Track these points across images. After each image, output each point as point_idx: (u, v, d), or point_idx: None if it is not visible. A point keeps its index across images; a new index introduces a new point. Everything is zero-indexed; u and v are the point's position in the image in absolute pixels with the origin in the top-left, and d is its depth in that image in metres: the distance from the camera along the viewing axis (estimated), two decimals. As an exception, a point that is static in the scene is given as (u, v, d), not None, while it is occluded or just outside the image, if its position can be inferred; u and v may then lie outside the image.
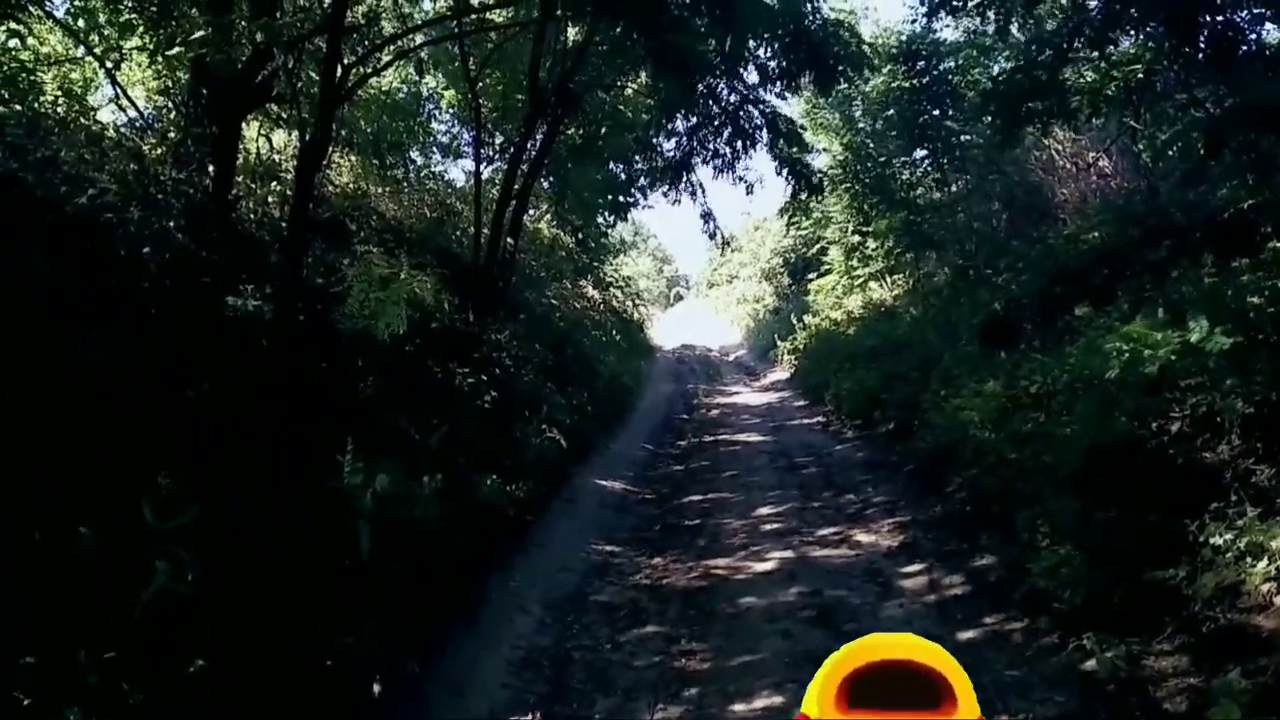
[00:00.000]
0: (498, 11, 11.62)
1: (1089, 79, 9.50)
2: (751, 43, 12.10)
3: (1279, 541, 4.48)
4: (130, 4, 7.88)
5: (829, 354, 16.54)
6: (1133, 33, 9.43)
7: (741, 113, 14.01)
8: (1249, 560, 4.56)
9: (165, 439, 4.46)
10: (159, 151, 7.47)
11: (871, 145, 17.48)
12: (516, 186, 12.05)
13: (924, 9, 11.57)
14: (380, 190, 12.29)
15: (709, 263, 46.92)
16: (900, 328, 14.18)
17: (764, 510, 8.57)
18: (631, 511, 9.07)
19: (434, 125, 16.09)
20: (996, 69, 12.87)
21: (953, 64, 15.56)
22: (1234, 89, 8.14)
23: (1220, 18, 8.35)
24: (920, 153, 16.96)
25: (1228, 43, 8.26)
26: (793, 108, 17.05)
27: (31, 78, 7.56)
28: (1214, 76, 8.79)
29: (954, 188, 16.69)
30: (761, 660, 5.17)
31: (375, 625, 4.65)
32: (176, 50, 6.81)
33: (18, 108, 6.81)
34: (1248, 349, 5.60)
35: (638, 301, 26.79)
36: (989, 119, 11.09)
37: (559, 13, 10.65)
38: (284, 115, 9.18)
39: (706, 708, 4.70)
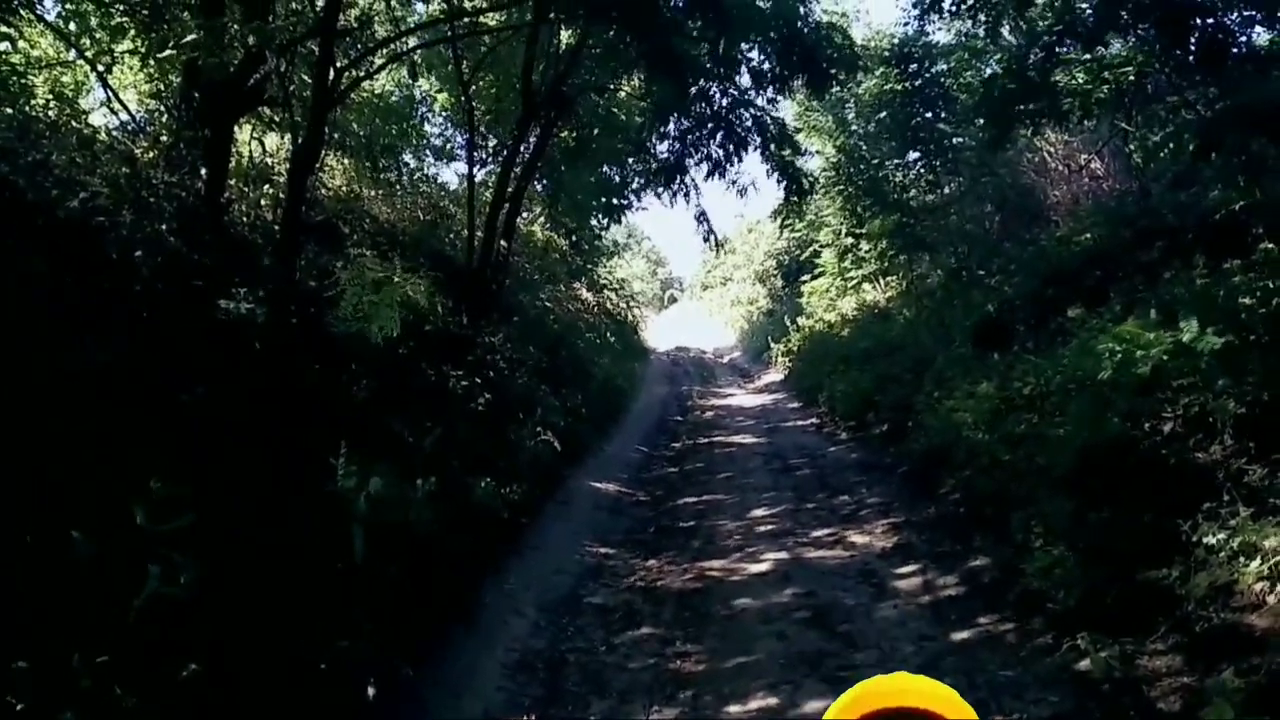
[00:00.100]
0: (491, 15, 11.64)
1: (1080, 80, 9.54)
2: (744, 46, 12.15)
3: (1272, 541, 4.50)
4: (122, 7, 7.87)
5: (823, 356, 16.57)
6: (1124, 35, 9.48)
7: (733, 116, 14.04)
8: (1242, 560, 4.57)
9: (159, 442, 4.45)
10: (151, 155, 7.45)
11: (864, 148, 17.55)
12: (510, 189, 12.05)
13: (916, 11, 11.62)
14: (373, 193, 12.27)
15: (703, 265, 46.99)
16: (893, 329, 14.21)
17: (758, 512, 8.58)
18: (626, 513, 9.06)
19: (427, 128, 16.13)
20: (988, 71, 12.92)
21: (945, 67, 15.63)
22: (1225, 91, 8.18)
23: (1210, 20, 8.41)
24: (913, 155, 17.05)
25: (1218, 45, 8.31)
26: (786, 110, 17.13)
27: (22, 81, 7.53)
28: (1205, 79, 8.84)
29: (946, 190, 16.76)
30: (756, 662, 5.17)
31: (370, 628, 4.64)
32: (168, 53, 6.79)
33: (9, 111, 6.78)
34: (1240, 349, 5.63)
35: (631, 304, 26.79)
36: (980, 121, 11.13)
37: (552, 16, 10.67)
38: (276, 118, 9.17)
39: (701, 709, 4.70)
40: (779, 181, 14.77)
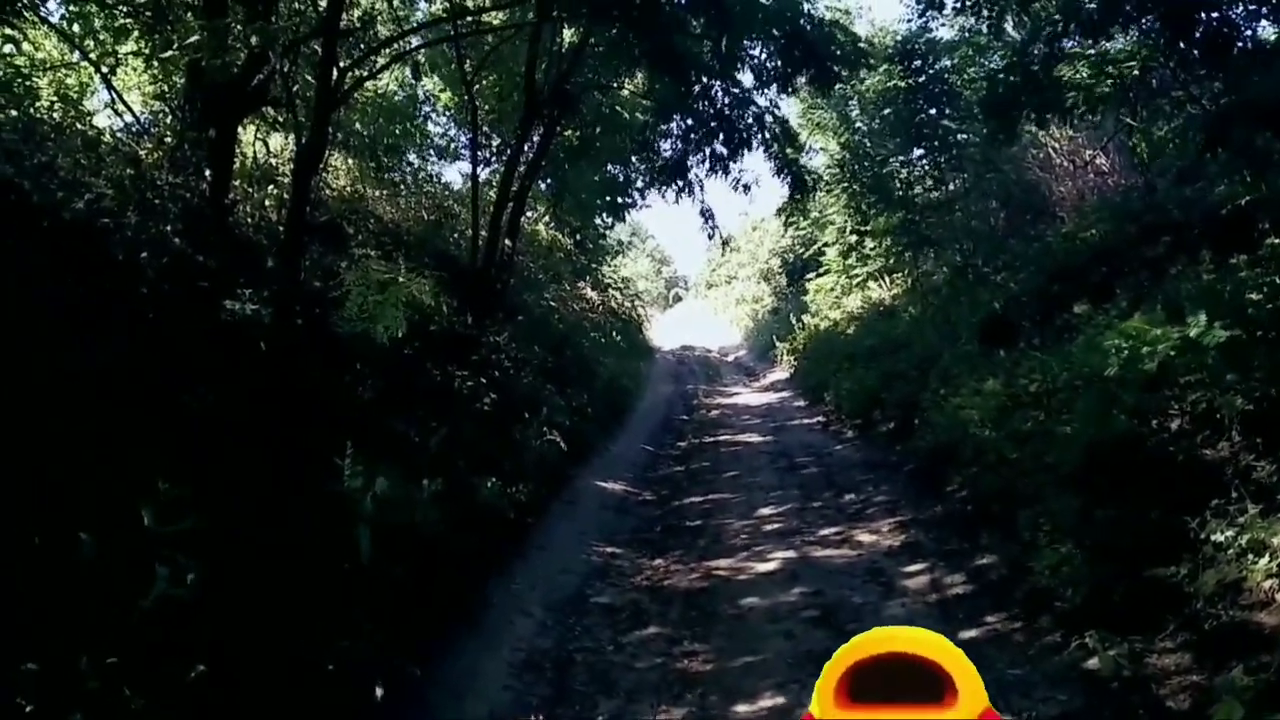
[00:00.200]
0: (493, 14, 11.63)
1: (1084, 75, 9.50)
2: (747, 43, 12.12)
3: (1280, 538, 4.48)
4: (125, 9, 7.88)
5: (828, 354, 16.55)
6: (1127, 29, 9.43)
7: (735, 114, 14.01)
8: (1250, 557, 4.55)
9: (164, 444, 4.46)
10: (155, 156, 7.46)
11: (869, 145, 17.51)
12: (514, 188, 12.05)
13: (919, 8, 11.58)
14: (377, 193, 12.28)
15: (707, 263, 47.00)
16: (899, 327, 14.18)
17: (765, 510, 8.57)
18: (632, 513, 9.06)
19: (430, 128, 16.13)
20: (992, 66, 12.88)
21: (949, 63, 15.58)
22: (1230, 86, 8.14)
23: (1215, 14, 8.36)
24: (917, 152, 17.00)
25: (1223, 39, 8.26)
26: (790, 107, 17.11)
27: (27, 83, 7.56)
28: (1209, 73, 8.80)
29: (951, 186, 16.71)
30: (764, 661, 5.16)
31: (376, 628, 4.65)
32: (172, 55, 6.81)
33: (13, 113, 6.81)
34: (1247, 345, 5.60)
35: (636, 302, 26.78)
36: (985, 117, 11.10)
37: (555, 14, 10.66)
38: (280, 119, 9.18)
39: (709, 709, 4.69)
40: (783, 179, 14.75)
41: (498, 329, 10.74)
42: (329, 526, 5.01)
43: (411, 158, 15.77)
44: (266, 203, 8.81)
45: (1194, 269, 7.30)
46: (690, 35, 11.00)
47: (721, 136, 14.22)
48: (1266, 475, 4.98)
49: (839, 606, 5.87)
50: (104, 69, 8.50)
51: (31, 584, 3.34)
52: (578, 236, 19.46)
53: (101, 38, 8.38)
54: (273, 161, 9.77)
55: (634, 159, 16.31)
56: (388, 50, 10.50)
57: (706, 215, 16.26)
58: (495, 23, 11.80)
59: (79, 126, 7.63)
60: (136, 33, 8.09)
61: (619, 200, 17.51)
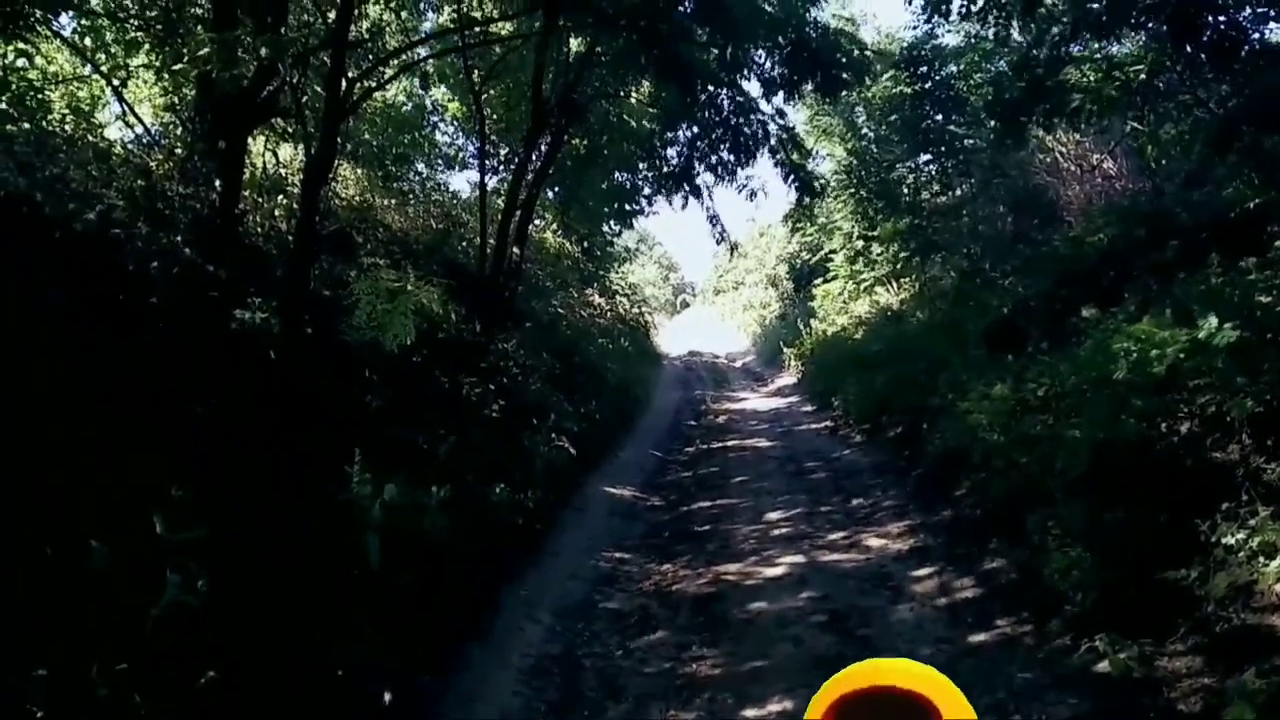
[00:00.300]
0: (501, 24, 11.70)
1: (1091, 79, 9.50)
2: (752, 51, 12.17)
3: (1291, 540, 4.46)
4: (136, 22, 7.97)
5: (836, 359, 16.52)
6: (1134, 31, 9.43)
7: (742, 121, 14.05)
8: (1261, 560, 4.53)
9: (176, 452, 4.49)
10: (166, 167, 7.53)
11: (875, 150, 17.53)
12: (522, 196, 12.09)
13: (924, 15, 11.59)
14: (386, 202, 12.35)
15: (715, 269, 47.06)
16: (907, 332, 14.15)
17: (773, 515, 8.56)
18: (641, 518, 9.06)
19: (438, 137, 16.22)
20: (998, 71, 12.89)
21: (955, 69, 15.59)
22: (1238, 89, 8.13)
23: (1223, 18, 8.35)
24: (924, 157, 17.01)
25: (1230, 42, 8.25)
26: (797, 114, 17.14)
27: (39, 96, 7.63)
28: (1217, 76, 8.78)
29: (959, 191, 16.70)
30: (773, 666, 5.16)
31: (385, 635, 4.66)
32: (182, 67, 6.88)
33: (26, 126, 6.87)
34: (1256, 347, 5.58)
35: (644, 309, 26.81)
36: (992, 121, 11.10)
37: (562, 24, 10.72)
38: (289, 130, 9.24)
39: (717, 713, 4.69)
40: (790, 183, 14.79)
41: (506, 336, 10.78)
42: (338, 533, 5.03)
43: (420, 167, 15.88)
44: (276, 213, 8.87)
45: (1203, 272, 7.27)
46: (696, 44, 11.05)
47: (728, 144, 14.28)
48: (1277, 477, 4.95)
49: (848, 611, 5.86)
50: (115, 81, 8.59)
51: (41, 591, 3.37)
52: (585, 244, 19.52)
53: (113, 51, 8.47)
54: (282, 172, 9.83)
55: (641, 166, 16.37)
56: (396, 61, 10.58)
57: (714, 220, 16.33)
58: (503, 33, 11.87)
59: (90, 139, 7.70)
60: (147, 45, 8.18)
61: (626, 207, 17.57)
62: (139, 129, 8.86)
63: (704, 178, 15.34)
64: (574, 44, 12.34)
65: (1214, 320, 5.78)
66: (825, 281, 21.01)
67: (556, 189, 15.98)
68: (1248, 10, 8.62)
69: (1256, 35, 8.63)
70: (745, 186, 15.23)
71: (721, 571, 6.96)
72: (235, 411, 5.14)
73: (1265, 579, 4.47)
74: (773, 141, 14.27)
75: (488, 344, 9.99)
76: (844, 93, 14.38)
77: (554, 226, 18.02)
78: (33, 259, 4.94)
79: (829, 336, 19.15)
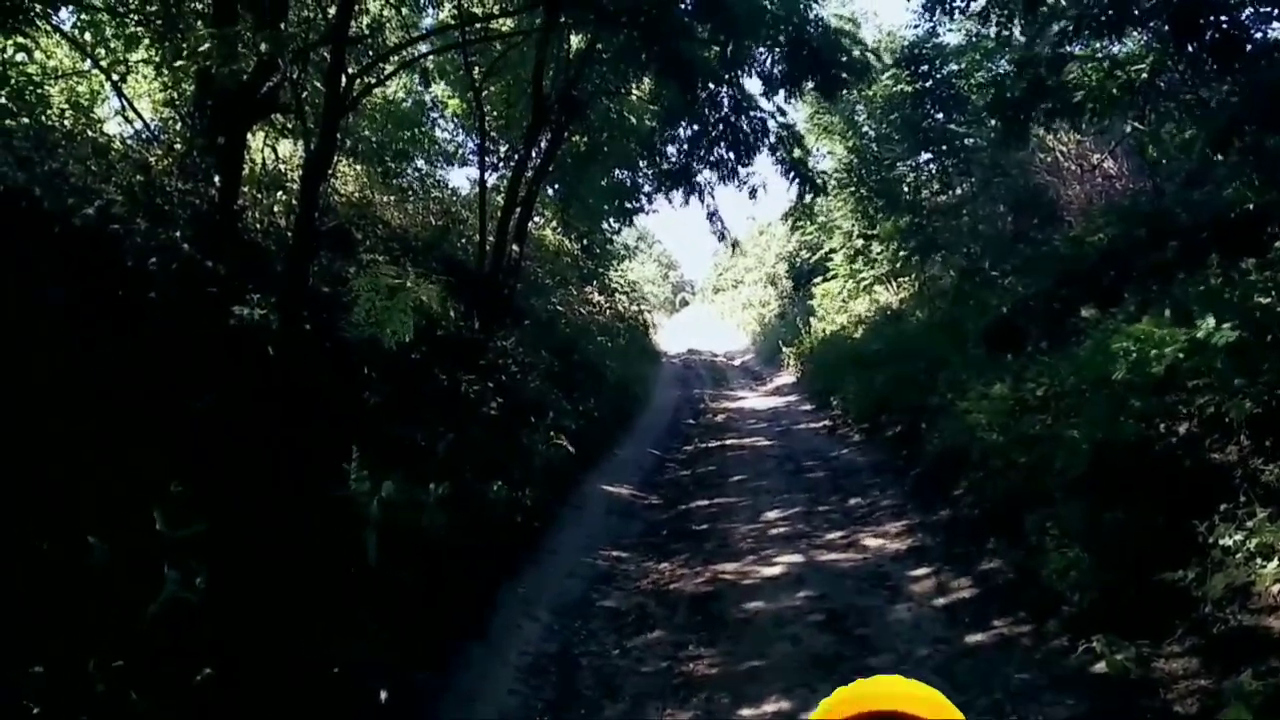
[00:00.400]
0: (502, 20, 11.69)
1: (1093, 78, 9.48)
2: (753, 49, 12.16)
3: (1289, 542, 4.46)
4: (136, 17, 7.96)
5: (835, 358, 16.51)
6: (1136, 29, 9.41)
7: (741, 119, 14.05)
8: (1259, 561, 4.53)
9: (174, 448, 4.49)
10: (165, 163, 7.53)
11: (876, 149, 17.51)
12: (521, 193, 12.09)
13: (925, 13, 11.57)
14: (385, 199, 12.35)
15: (714, 268, 47.06)
16: (906, 331, 14.15)
17: (771, 514, 8.56)
18: (639, 517, 9.06)
19: (438, 134, 16.21)
20: (999, 70, 12.87)
21: (956, 67, 15.57)
22: (1239, 88, 8.11)
23: (1225, 17, 8.33)
24: (925, 156, 16.99)
25: (1232, 42, 8.23)
26: (798, 112, 17.13)
27: (39, 91, 7.63)
28: (1218, 75, 8.77)
29: (959, 190, 16.68)
30: (770, 665, 5.16)
31: (383, 632, 4.66)
32: (182, 62, 6.88)
33: (25, 121, 6.87)
34: (1255, 348, 5.58)
35: (643, 307, 26.81)
36: (993, 120, 11.09)
37: (562, 21, 10.71)
38: (289, 125, 9.25)
39: (715, 712, 4.69)
40: (791, 180, 14.81)
41: (505, 334, 10.77)
42: (336, 530, 5.03)
43: (419, 163, 15.88)
44: (275, 209, 8.86)
45: (1203, 272, 7.27)
46: (697, 41, 11.04)
47: (728, 141, 14.27)
48: (1275, 479, 4.95)
49: (845, 611, 5.86)
50: (115, 76, 8.58)
51: (39, 587, 3.37)
52: (585, 241, 19.52)
53: (112, 46, 8.47)
54: (282, 168, 9.83)
55: (641, 163, 16.36)
56: (396, 57, 10.56)
57: (714, 217, 16.32)
58: (503, 29, 11.86)
59: (90, 134, 7.70)
60: (147, 40, 8.17)
61: (626, 205, 17.57)
62: (138, 124, 8.86)
63: (704, 175, 15.34)
64: (575, 40, 12.33)
65: (1213, 320, 5.78)
66: (825, 280, 21.00)
67: (556, 186, 15.97)
68: (1250, 9, 8.61)
69: (1259, 34, 8.63)
70: (745, 184, 15.19)
71: (719, 570, 6.96)
72: (234, 407, 5.13)
73: (1262, 580, 4.47)
74: (773, 139, 14.27)
75: (487, 341, 9.99)
76: (844, 91, 14.36)
77: (554, 224, 18.01)
78: (32, 254, 4.94)
79: (828, 335, 19.14)
